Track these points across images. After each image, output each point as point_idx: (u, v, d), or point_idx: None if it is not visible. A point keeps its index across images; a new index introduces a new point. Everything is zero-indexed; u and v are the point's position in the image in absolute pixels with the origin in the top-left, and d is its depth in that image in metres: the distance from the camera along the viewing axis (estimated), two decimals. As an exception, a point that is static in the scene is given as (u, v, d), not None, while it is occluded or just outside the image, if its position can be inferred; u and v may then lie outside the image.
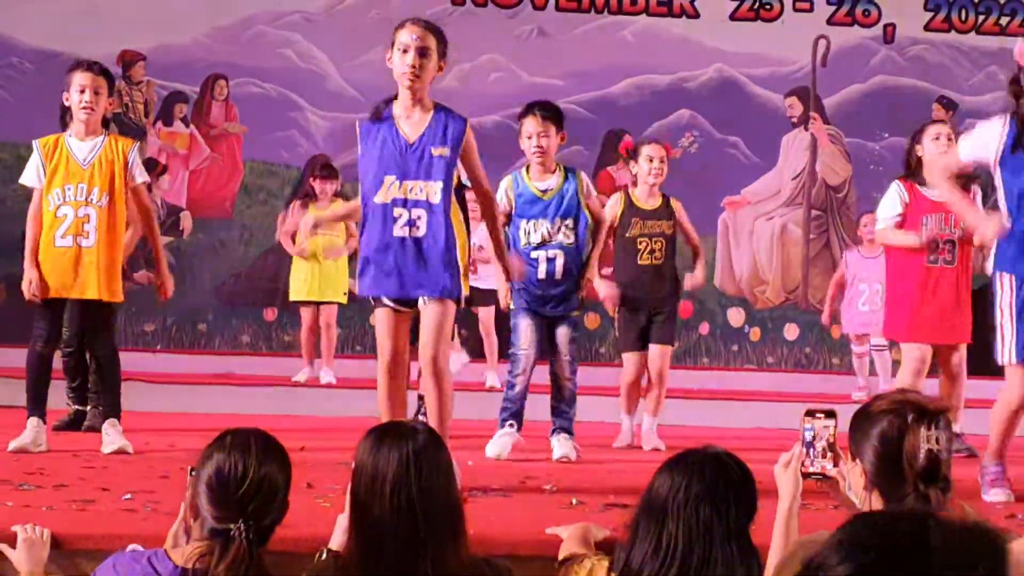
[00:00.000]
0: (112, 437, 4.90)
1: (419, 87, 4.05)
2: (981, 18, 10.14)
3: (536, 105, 5.35)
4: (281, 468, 2.30)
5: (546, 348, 5.28)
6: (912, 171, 5.26)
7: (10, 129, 9.23)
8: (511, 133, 9.66)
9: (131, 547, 2.46)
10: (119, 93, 9.56)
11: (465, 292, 4.14)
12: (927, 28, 10.15)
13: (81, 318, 5.07)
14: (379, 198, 4.03)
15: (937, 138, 5.19)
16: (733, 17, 10.06)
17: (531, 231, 5.21)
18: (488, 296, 7.72)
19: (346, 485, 2.41)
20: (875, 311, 7.83)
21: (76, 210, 4.80)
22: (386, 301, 4.11)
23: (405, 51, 4.02)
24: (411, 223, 4.01)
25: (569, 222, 5.22)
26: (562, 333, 5.24)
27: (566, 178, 5.26)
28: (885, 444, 2.26)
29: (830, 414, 2.51)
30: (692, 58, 10.02)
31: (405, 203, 4.01)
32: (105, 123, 5.01)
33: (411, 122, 4.08)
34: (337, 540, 2.52)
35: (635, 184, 5.90)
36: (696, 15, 10.01)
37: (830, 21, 10.09)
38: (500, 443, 5.11)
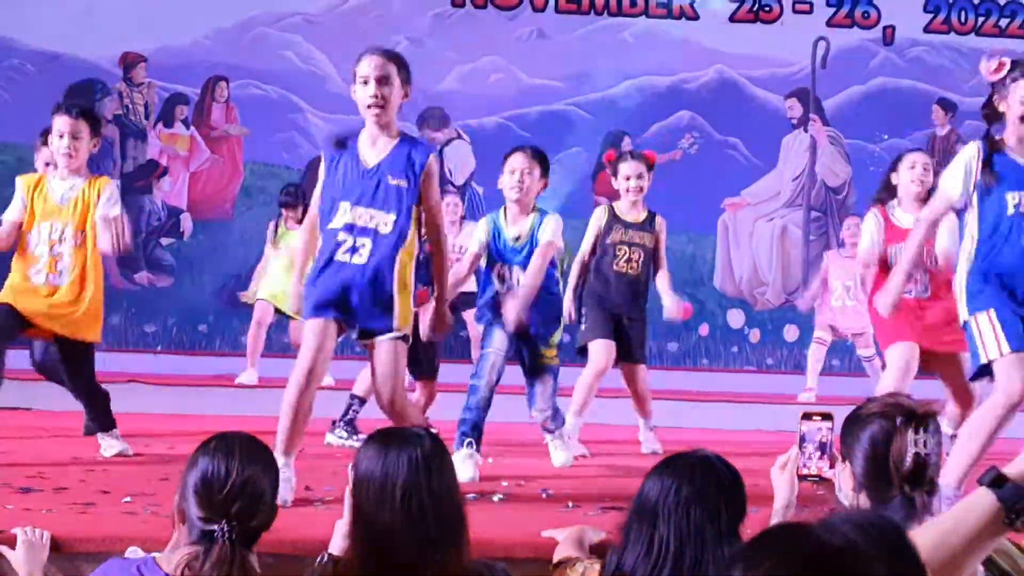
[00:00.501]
0: (109, 442, 4.94)
1: (384, 117, 4.03)
2: (981, 20, 10.15)
3: (528, 145, 5.16)
4: (266, 471, 2.30)
5: (526, 392, 5.14)
6: (884, 200, 5.20)
7: (11, 131, 9.25)
8: (511, 134, 9.75)
9: (130, 550, 2.47)
10: (120, 95, 9.58)
11: (406, 329, 4.01)
12: (927, 30, 10.16)
13: (59, 352, 5.01)
14: (333, 223, 3.98)
15: (912, 167, 5.10)
16: (733, 19, 10.08)
17: (506, 274, 5.00)
18: (472, 298, 7.74)
19: (344, 489, 2.41)
20: (846, 307, 8.00)
21: (51, 248, 4.77)
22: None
23: (366, 82, 4.00)
24: (354, 250, 3.93)
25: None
26: (540, 386, 5.05)
27: (539, 221, 4.99)
28: (873, 447, 2.28)
29: (827, 416, 2.53)
30: (692, 60, 10.04)
31: (351, 229, 3.94)
32: (91, 164, 5.02)
33: (375, 149, 4.05)
34: (337, 545, 2.52)
35: (618, 197, 5.83)
36: (696, 17, 10.03)
37: (830, 23, 10.10)
38: (464, 469, 4.49)
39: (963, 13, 10.16)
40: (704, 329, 9.86)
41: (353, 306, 3.94)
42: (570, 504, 3.96)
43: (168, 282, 9.61)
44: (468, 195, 9.69)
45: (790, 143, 10.16)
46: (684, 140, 10.03)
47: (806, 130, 10.12)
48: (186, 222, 9.67)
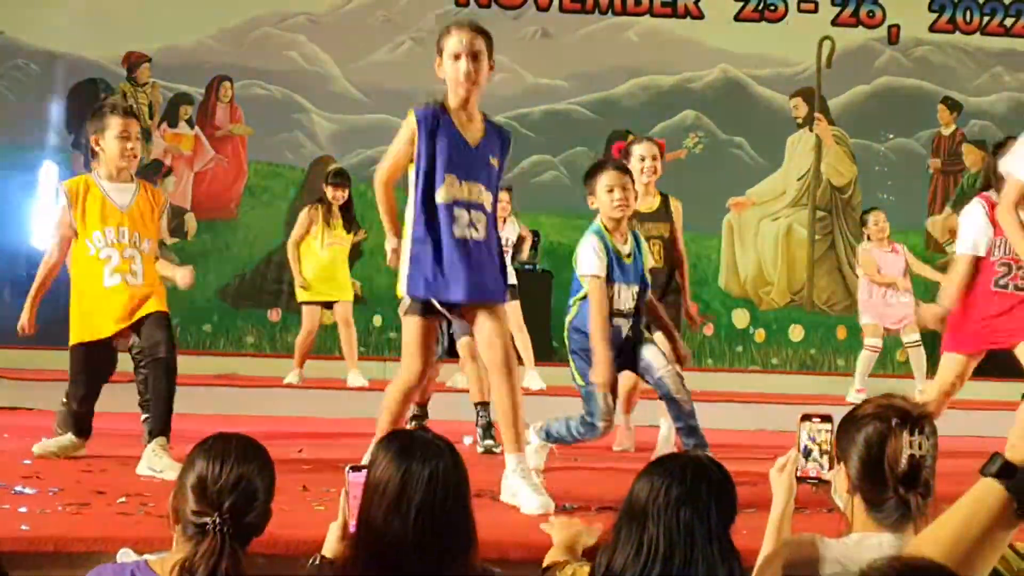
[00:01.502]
0: (158, 461, 4.52)
1: (475, 92, 3.97)
2: (986, 19, 10.12)
3: (615, 161, 4.94)
4: (261, 471, 2.30)
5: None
6: (993, 186, 4.75)
7: (15, 131, 9.27)
8: (515, 134, 9.69)
9: (122, 552, 2.46)
10: (124, 95, 9.59)
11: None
12: (932, 29, 10.14)
13: (154, 330, 4.70)
14: (441, 197, 3.89)
15: None
16: (738, 18, 10.06)
17: (615, 296, 4.63)
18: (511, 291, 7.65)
19: (341, 489, 2.40)
20: (903, 302, 7.95)
21: (121, 252, 4.64)
22: (436, 306, 3.93)
23: (457, 57, 3.93)
24: (472, 225, 3.90)
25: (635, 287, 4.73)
26: (654, 357, 4.71)
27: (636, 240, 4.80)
28: (868, 448, 2.27)
29: (826, 419, 2.51)
30: (697, 59, 10.02)
31: (468, 205, 3.90)
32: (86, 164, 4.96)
33: (472, 127, 4.00)
34: (331, 548, 2.51)
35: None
36: (700, 16, 10.01)
37: (835, 22, 10.08)
38: (538, 457, 4.75)
39: (968, 12, 10.13)
40: (709, 329, 9.84)
41: (481, 280, 3.92)
42: (565, 506, 3.92)
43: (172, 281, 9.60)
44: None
45: (795, 142, 10.14)
46: (689, 139, 10.01)
47: (811, 129, 10.10)
48: (190, 222, 9.67)
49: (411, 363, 3.97)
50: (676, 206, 5.66)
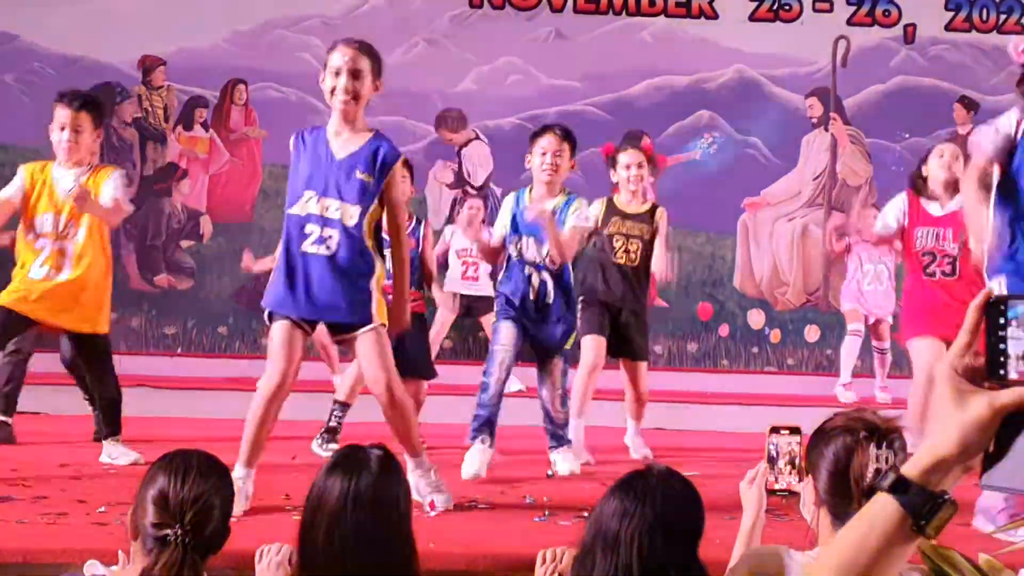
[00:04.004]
0: (117, 453, 4.85)
1: (352, 109, 4.00)
2: (1003, 17, 10.07)
3: (556, 125, 5.19)
4: (219, 488, 2.34)
5: (536, 376, 5.12)
6: (917, 188, 5.34)
7: (31, 134, 9.28)
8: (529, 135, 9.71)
9: (88, 563, 2.47)
10: (139, 98, 9.61)
11: (382, 320, 4.00)
12: (948, 28, 10.09)
13: (73, 348, 4.99)
14: (295, 210, 3.98)
15: (941, 155, 5.26)
16: (752, 18, 10.03)
17: (523, 247, 5.01)
18: (488, 303, 7.73)
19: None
20: (879, 290, 8.02)
21: (52, 241, 4.67)
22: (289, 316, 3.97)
23: (337, 73, 3.98)
24: (322, 240, 3.92)
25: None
26: (555, 365, 5.05)
27: (566, 203, 5.03)
28: (836, 461, 2.27)
29: (795, 431, 2.53)
30: (711, 59, 9.99)
31: (321, 220, 3.92)
32: (102, 153, 4.98)
33: (341, 140, 4.04)
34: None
35: (617, 190, 5.73)
36: (715, 16, 9.98)
37: (850, 21, 10.04)
38: (474, 462, 4.78)
39: (985, 11, 10.08)
40: (724, 330, 9.81)
41: (330, 299, 3.94)
42: (546, 513, 3.90)
43: (188, 284, 9.62)
44: (488, 196, 9.67)
45: (810, 142, 10.10)
46: (703, 140, 9.98)
47: (826, 129, 10.06)
48: (205, 224, 9.69)
49: (271, 367, 3.97)
50: (661, 214, 5.70)
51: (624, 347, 5.64)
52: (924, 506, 1.11)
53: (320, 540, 2.32)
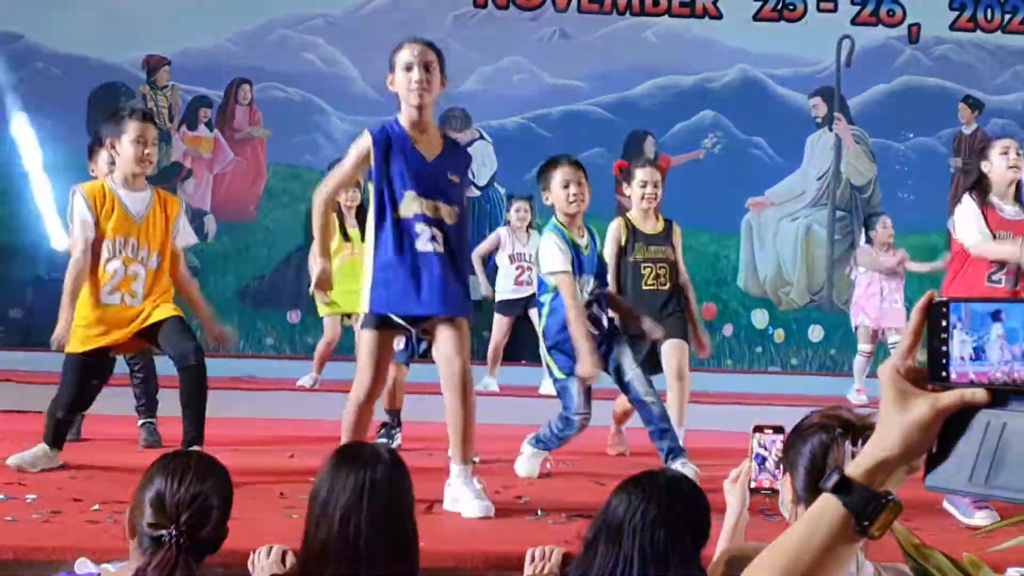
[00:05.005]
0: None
1: (427, 103, 4.01)
2: (1007, 17, 10.06)
3: (565, 156, 4.95)
4: (217, 488, 2.34)
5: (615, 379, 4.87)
6: (981, 188, 4.80)
7: (36, 133, 9.32)
8: (533, 135, 9.73)
9: (79, 561, 2.48)
10: (144, 97, 9.64)
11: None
12: (952, 27, 10.08)
13: (179, 338, 4.63)
14: (402, 212, 3.93)
15: (1006, 152, 4.72)
16: (756, 17, 10.03)
17: (579, 290, 4.75)
18: (515, 305, 7.72)
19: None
20: (894, 308, 7.90)
21: (127, 267, 4.54)
22: (396, 320, 3.97)
23: (409, 68, 3.98)
24: (433, 240, 3.92)
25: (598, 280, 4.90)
26: (626, 360, 4.80)
27: (592, 239, 4.90)
28: (812, 459, 2.28)
29: (778, 430, 2.53)
30: (715, 59, 10.00)
31: (427, 220, 3.92)
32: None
33: (427, 143, 4.04)
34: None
35: (621, 191, 5.71)
36: (719, 16, 9.99)
37: (854, 21, 10.04)
38: (531, 464, 4.90)
39: (989, 10, 10.07)
40: (728, 329, 9.82)
41: (440, 294, 3.93)
42: (539, 512, 3.91)
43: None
44: (490, 196, 9.69)
45: (815, 142, 10.10)
46: (707, 140, 9.99)
47: (831, 129, 10.06)
48: (210, 224, 9.71)
49: (363, 377, 3.98)
50: (677, 232, 5.64)
51: (660, 358, 5.50)
52: (867, 506, 1.12)
53: (333, 533, 2.31)
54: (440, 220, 3.95)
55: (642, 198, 5.51)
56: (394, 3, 9.88)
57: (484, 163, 9.79)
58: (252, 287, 9.69)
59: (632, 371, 4.77)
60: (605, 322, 4.84)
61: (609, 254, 5.44)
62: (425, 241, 3.92)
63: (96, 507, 3.67)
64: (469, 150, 9.74)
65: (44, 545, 3.11)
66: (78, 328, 4.52)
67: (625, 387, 4.80)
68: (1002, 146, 4.75)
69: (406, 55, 4.00)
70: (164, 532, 2.24)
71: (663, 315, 5.49)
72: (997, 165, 4.69)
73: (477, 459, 4.88)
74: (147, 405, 5.48)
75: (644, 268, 5.52)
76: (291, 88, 9.76)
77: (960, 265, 4.76)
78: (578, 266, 4.72)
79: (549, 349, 4.78)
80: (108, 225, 4.54)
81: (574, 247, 4.73)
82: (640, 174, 5.57)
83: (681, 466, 4.50)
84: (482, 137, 9.80)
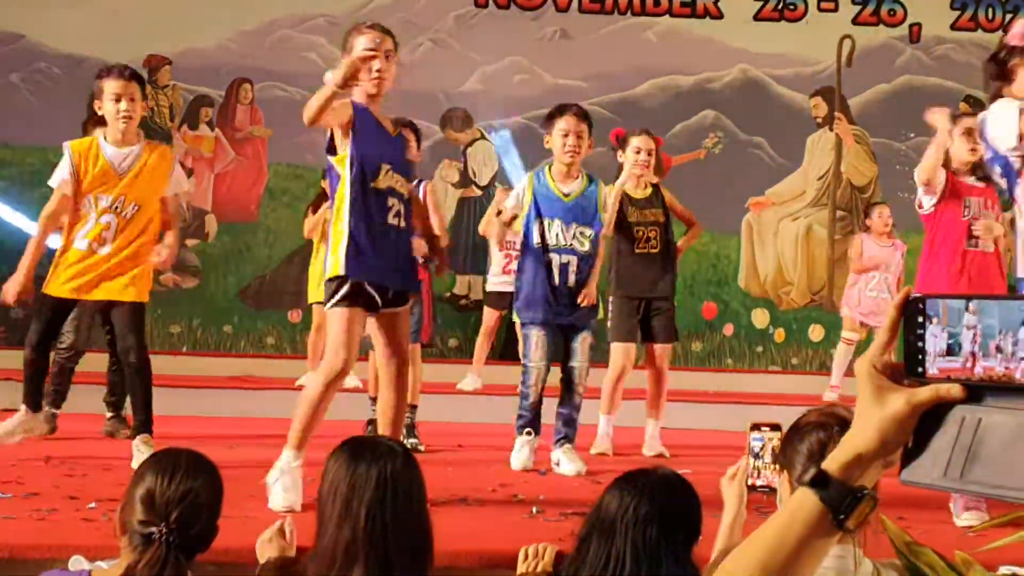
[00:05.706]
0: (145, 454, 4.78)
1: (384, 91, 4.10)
2: (1008, 16, 10.05)
3: (573, 106, 5.13)
4: (208, 486, 2.35)
5: (560, 353, 5.08)
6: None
7: (38, 134, 9.32)
8: (534, 135, 9.72)
9: (73, 559, 2.49)
10: (145, 97, 9.64)
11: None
12: (953, 27, 10.09)
13: (103, 322, 5.03)
14: (381, 183, 3.99)
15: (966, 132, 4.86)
16: (757, 17, 10.03)
17: (546, 231, 5.01)
18: (503, 300, 7.64)
19: (312, 497, 2.41)
20: (883, 298, 7.88)
21: (99, 216, 4.64)
22: (369, 291, 3.96)
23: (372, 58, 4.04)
24: (398, 214, 4.03)
25: (586, 229, 5.03)
26: (581, 340, 5.02)
27: (588, 185, 5.08)
28: (810, 458, 2.28)
29: (775, 427, 2.54)
30: (716, 59, 10.00)
31: (395, 194, 4.02)
32: (143, 128, 4.89)
33: (386, 122, 4.14)
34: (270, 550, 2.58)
35: (619, 173, 5.74)
36: (720, 15, 9.99)
37: (855, 21, 10.04)
38: (523, 455, 4.97)
39: (990, 10, 10.07)
40: (728, 329, 9.82)
41: (405, 269, 4.11)
42: (534, 510, 3.91)
43: (193, 283, 9.65)
44: (491, 195, 9.69)
45: (815, 142, 10.10)
46: (708, 139, 9.99)
47: (831, 129, 10.06)
48: (211, 223, 9.72)
49: (336, 356, 3.92)
50: (667, 193, 5.81)
51: (651, 332, 5.68)
52: (843, 501, 1.13)
53: (359, 532, 2.28)
54: (402, 195, 4.05)
55: (635, 164, 5.62)
56: (395, 3, 9.88)
57: (484, 163, 9.80)
58: (253, 287, 9.70)
59: (580, 363, 5.02)
60: (572, 279, 4.98)
61: (608, 222, 5.47)
62: (392, 215, 4.00)
63: (92, 505, 3.68)
64: (469, 150, 9.80)
65: (39, 543, 3.12)
66: (54, 270, 4.71)
67: (567, 370, 5.02)
68: (963, 125, 4.95)
69: (366, 43, 4.08)
70: (154, 530, 2.24)
71: (652, 313, 5.60)
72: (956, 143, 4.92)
73: (422, 448, 5.00)
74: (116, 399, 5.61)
75: (636, 231, 5.65)
76: (292, 87, 9.75)
77: (933, 234, 4.82)
78: (545, 208, 4.98)
79: (517, 308, 5.10)
80: (87, 179, 4.66)
81: (550, 191, 5.01)
82: (635, 141, 5.70)
83: (563, 452, 4.90)
84: (483, 137, 9.81)
